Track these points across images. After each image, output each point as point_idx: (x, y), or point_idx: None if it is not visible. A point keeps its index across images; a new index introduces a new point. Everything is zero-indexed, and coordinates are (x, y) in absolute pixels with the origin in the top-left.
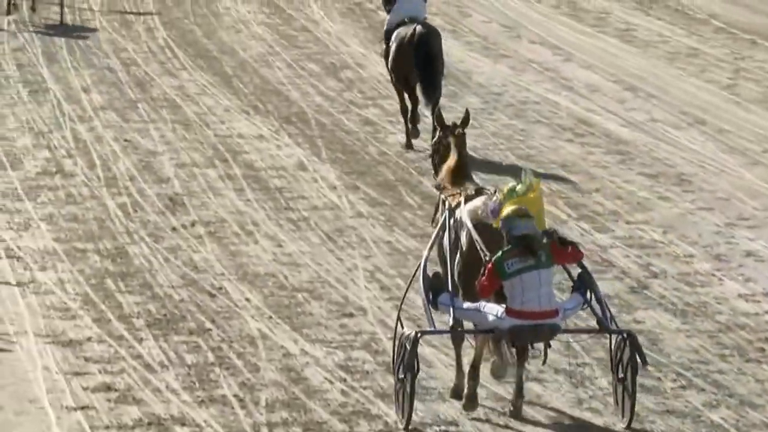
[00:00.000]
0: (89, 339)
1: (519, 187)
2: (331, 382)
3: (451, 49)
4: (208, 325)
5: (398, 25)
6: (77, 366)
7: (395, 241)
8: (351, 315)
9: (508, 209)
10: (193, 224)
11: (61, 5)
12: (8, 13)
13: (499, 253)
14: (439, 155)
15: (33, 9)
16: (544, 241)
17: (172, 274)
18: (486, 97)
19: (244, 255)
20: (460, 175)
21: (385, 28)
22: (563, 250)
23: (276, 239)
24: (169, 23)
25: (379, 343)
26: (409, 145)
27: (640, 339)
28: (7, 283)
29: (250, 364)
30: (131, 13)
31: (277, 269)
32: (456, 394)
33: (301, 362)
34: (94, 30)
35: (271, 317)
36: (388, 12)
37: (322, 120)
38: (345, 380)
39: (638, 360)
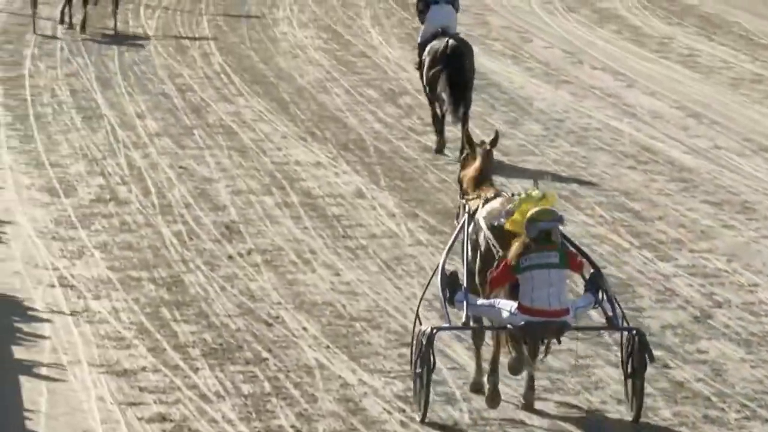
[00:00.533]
0: (144, 369)
1: (535, 193)
2: (389, 413)
3: (511, 75)
4: (265, 354)
5: (432, 37)
6: (132, 396)
7: (455, 269)
8: (410, 344)
9: (532, 211)
10: (249, 252)
11: (114, 14)
12: (62, 21)
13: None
14: (465, 169)
15: (83, 29)
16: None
17: (228, 302)
18: (547, 124)
19: (301, 284)
20: (481, 181)
21: (418, 40)
22: (575, 257)
23: (334, 268)
24: (225, 48)
25: (439, 374)
26: (439, 150)
27: (705, 369)
28: (61, 313)
29: (308, 394)
30: (186, 38)
31: (335, 298)
32: (475, 388)
33: (359, 392)
34: (149, 55)
35: (328, 347)
36: (422, 22)
37: (381, 147)
38: (404, 411)
39: (646, 357)
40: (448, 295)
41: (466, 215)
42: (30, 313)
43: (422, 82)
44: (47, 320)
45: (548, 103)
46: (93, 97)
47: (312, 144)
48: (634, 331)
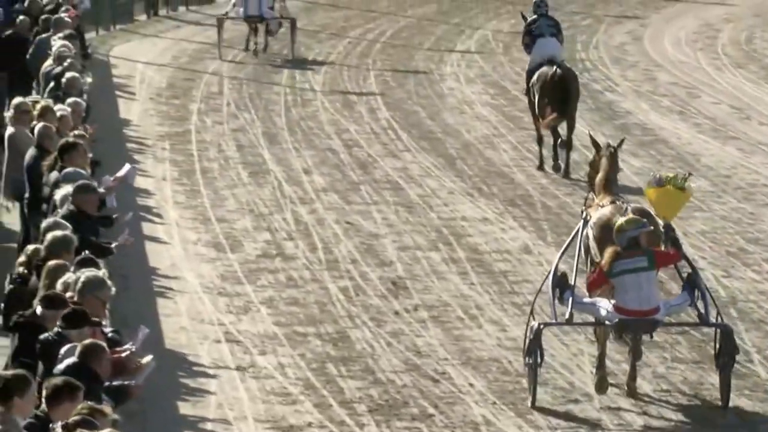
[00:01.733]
0: (310, 425)
1: (679, 182)
2: None
3: (679, 131)
4: (431, 410)
5: (539, 66)
6: None
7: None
8: (576, 401)
9: (620, 221)
10: (416, 308)
11: (292, 42)
12: (247, 48)
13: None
14: (593, 171)
15: (265, 49)
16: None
17: (394, 358)
18: (714, 180)
19: (467, 339)
20: (605, 189)
21: (527, 68)
22: (665, 252)
23: (500, 323)
24: (392, 104)
25: (606, 431)
26: (540, 167)
27: None
28: (227, 368)
29: None
30: (353, 93)
31: (502, 354)
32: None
33: None
34: (316, 110)
35: (495, 403)
36: (529, 53)
37: (548, 203)
38: None
39: (732, 351)
40: (558, 294)
41: (582, 221)
42: (196, 368)
43: (530, 107)
44: (213, 376)
45: (716, 159)
46: (259, 152)
47: (479, 200)
48: (723, 327)
